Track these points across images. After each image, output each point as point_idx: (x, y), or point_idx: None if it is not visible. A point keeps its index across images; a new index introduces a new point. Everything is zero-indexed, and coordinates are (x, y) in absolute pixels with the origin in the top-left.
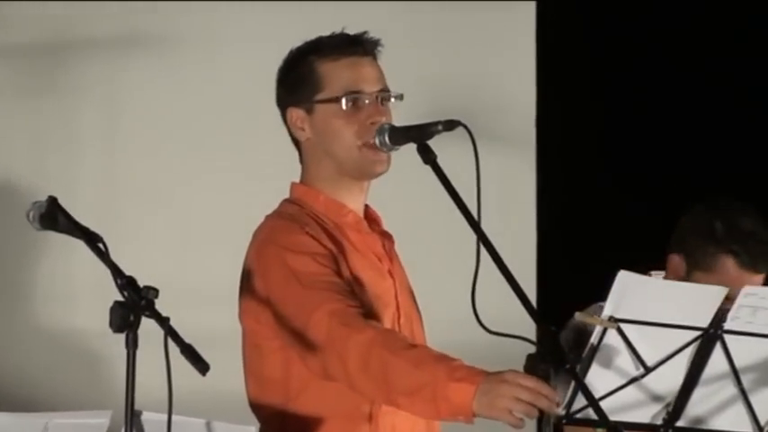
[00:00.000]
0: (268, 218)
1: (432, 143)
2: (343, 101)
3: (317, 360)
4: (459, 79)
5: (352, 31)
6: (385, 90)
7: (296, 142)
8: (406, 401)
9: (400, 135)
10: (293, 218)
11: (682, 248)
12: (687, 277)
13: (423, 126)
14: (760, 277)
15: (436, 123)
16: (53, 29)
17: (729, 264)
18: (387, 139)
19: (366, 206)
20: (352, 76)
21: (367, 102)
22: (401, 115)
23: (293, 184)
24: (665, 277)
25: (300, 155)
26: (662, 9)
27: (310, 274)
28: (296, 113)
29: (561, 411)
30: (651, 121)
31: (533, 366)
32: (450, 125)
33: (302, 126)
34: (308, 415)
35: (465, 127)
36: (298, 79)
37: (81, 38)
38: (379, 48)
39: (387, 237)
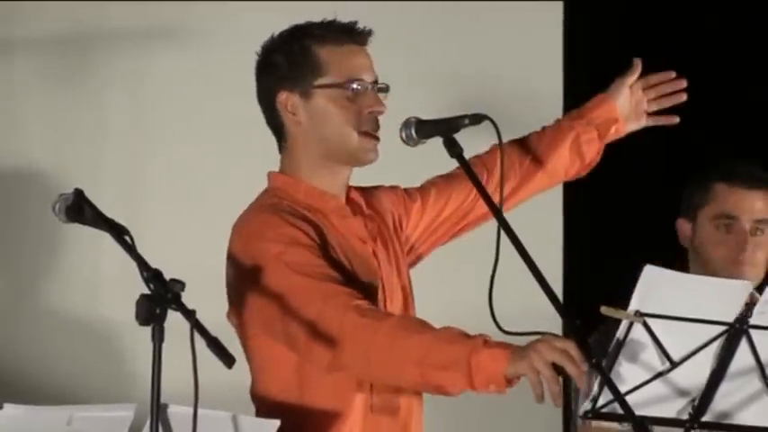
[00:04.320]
0: (250, 211)
1: (457, 137)
2: (351, 87)
3: (326, 353)
4: (486, 73)
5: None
6: (377, 81)
7: (279, 127)
8: (440, 375)
9: (427, 129)
10: (276, 209)
11: (685, 210)
12: (693, 230)
13: (449, 120)
14: (759, 196)
15: (463, 117)
16: (80, 21)
17: (721, 187)
18: (413, 132)
19: (349, 189)
20: (353, 63)
21: (366, 90)
22: (430, 109)
23: (272, 174)
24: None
25: (282, 141)
26: (688, 1)
27: (305, 265)
28: (289, 98)
29: (587, 400)
30: (677, 114)
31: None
32: (477, 119)
33: (294, 111)
34: (320, 408)
35: (491, 121)
36: (293, 63)
37: (107, 30)
38: (371, 39)
39: (370, 218)
